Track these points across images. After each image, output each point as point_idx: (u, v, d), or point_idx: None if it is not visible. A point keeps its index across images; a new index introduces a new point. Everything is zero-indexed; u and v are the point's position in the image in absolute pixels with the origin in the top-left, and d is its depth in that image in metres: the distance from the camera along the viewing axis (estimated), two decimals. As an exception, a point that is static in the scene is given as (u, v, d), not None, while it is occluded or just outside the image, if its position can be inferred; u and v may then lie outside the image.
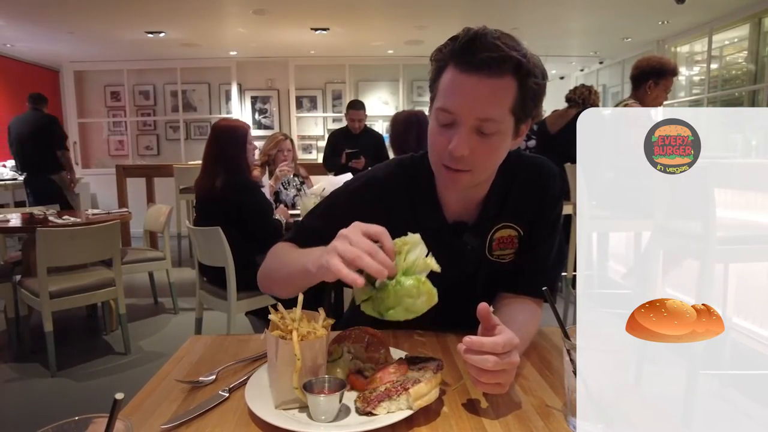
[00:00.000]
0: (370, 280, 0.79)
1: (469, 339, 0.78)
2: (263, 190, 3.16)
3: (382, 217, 1.04)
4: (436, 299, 0.80)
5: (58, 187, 5.38)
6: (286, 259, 1.00)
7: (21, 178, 5.67)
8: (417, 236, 0.83)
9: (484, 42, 0.88)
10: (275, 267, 1.04)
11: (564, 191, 1.13)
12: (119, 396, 0.55)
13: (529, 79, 0.91)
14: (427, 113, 0.99)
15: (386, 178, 1.10)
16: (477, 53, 0.88)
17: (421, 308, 0.79)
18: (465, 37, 0.90)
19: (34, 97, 5.44)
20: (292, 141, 3.83)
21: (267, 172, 3.70)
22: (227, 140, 2.81)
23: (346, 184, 1.14)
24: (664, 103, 3.36)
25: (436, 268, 0.81)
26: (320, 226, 1.03)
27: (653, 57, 3.25)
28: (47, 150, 5.28)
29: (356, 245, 0.77)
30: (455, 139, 0.91)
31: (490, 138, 0.92)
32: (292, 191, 3.77)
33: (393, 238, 1.02)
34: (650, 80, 3.09)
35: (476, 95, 0.90)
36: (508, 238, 1.09)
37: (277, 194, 3.66)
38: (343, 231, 0.81)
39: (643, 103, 3.10)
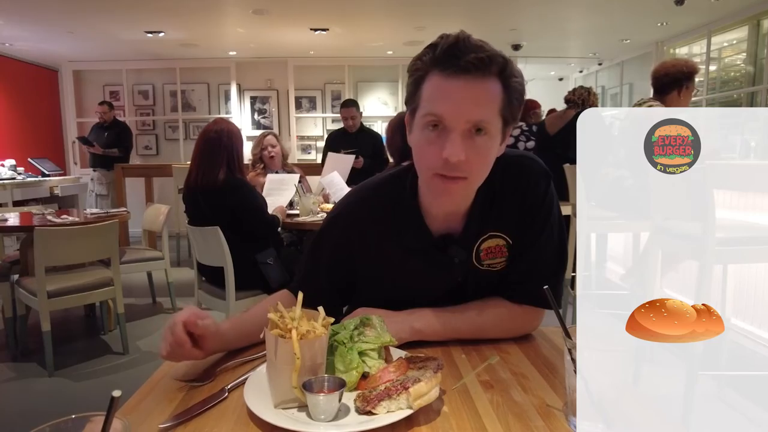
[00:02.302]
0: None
1: None
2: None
3: (369, 239, 1.07)
4: (353, 384, 0.82)
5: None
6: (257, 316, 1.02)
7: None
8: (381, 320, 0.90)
9: (468, 44, 0.87)
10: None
11: (550, 192, 1.06)
12: (116, 393, 0.53)
13: (512, 80, 0.90)
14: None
15: (354, 211, 1.10)
16: (463, 55, 0.86)
17: (349, 380, 0.81)
18: (446, 42, 0.88)
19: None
20: (277, 136, 3.76)
21: (252, 171, 3.69)
22: (233, 139, 2.82)
23: (336, 209, 1.15)
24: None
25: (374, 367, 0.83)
26: (319, 272, 1.11)
27: (679, 61, 3.11)
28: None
29: (165, 340, 0.87)
30: (448, 145, 0.88)
31: (482, 141, 0.90)
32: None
33: (379, 257, 1.08)
34: (683, 85, 3.01)
35: (466, 98, 0.88)
36: (497, 248, 1.06)
37: None
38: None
39: (677, 105, 3.02)
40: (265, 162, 3.69)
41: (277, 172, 3.75)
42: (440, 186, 0.93)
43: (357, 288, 1.15)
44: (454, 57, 0.87)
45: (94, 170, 6.32)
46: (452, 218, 1.05)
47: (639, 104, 3.61)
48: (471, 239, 1.05)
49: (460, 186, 0.93)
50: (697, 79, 3.21)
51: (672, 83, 3.06)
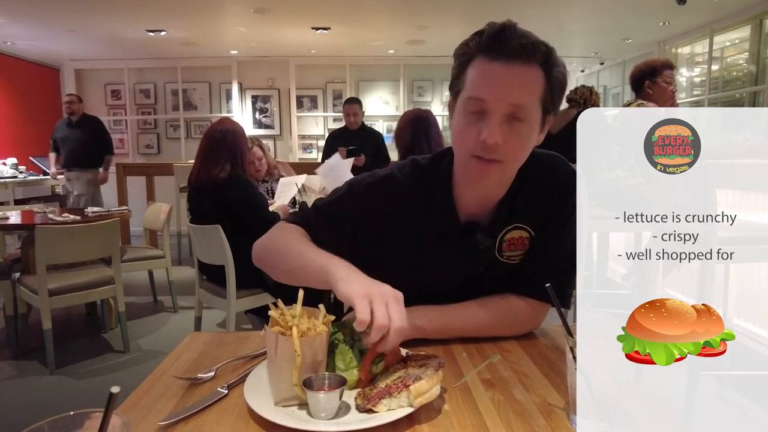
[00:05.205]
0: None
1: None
2: None
3: (395, 214, 1.05)
4: (354, 382, 0.83)
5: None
6: (302, 252, 1.00)
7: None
8: None
9: (513, 31, 0.92)
10: (285, 252, 1.03)
11: (575, 195, 1.09)
12: (115, 389, 0.53)
13: (554, 69, 0.93)
14: (439, 112, 0.98)
15: (404, 177, 1.08)
16: (508, 41, 0.90)
17: (350, 378, 0.82)
18: (493, 28, 0.93)
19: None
20: (262, 146, 3.56)
21: None
22: (236, 138, 2.84)
23: (367, 175, 1.12)
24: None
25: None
26: (338, 219, 1.07)
27: (641, 62, 3.28)
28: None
29: (384, 317, 0.79)
30: (487, 128, 0.91)
31: (521, 127, 0.92)
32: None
33: (402, 237, 1.06)
34: (646, 81, 3.13)
35: (509, 82, 0.91)
36: (519, 240, 1.07)
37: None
38: (390, 292, 0.82)
39: (651, 101, 3.10)
40: (252, 174, 3.42)
41: (265, 181, 3.71)
42: (476, 168, 0.96)
43: (373, 272, 1.14)
44: (499, 42, 0.91)
45: (68, 170, 5.71)
46: (483, 206, 1.06)
47: (627, 105, 3.66)
48: (497, 227, 1.06)
49: (496, 169, 0.95)
50: (698, 79, 3.27)
51: (638, 81, 3.19)
